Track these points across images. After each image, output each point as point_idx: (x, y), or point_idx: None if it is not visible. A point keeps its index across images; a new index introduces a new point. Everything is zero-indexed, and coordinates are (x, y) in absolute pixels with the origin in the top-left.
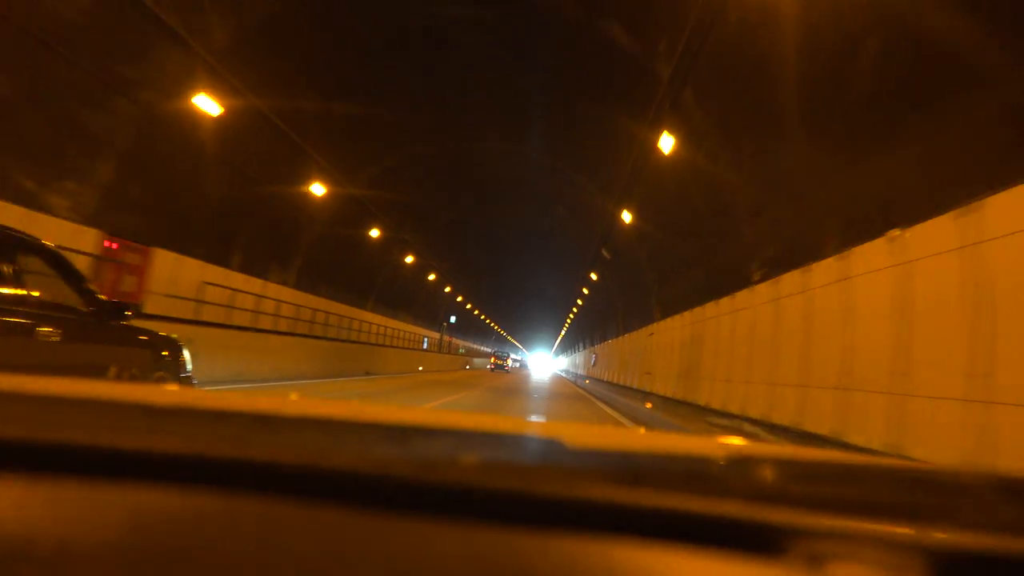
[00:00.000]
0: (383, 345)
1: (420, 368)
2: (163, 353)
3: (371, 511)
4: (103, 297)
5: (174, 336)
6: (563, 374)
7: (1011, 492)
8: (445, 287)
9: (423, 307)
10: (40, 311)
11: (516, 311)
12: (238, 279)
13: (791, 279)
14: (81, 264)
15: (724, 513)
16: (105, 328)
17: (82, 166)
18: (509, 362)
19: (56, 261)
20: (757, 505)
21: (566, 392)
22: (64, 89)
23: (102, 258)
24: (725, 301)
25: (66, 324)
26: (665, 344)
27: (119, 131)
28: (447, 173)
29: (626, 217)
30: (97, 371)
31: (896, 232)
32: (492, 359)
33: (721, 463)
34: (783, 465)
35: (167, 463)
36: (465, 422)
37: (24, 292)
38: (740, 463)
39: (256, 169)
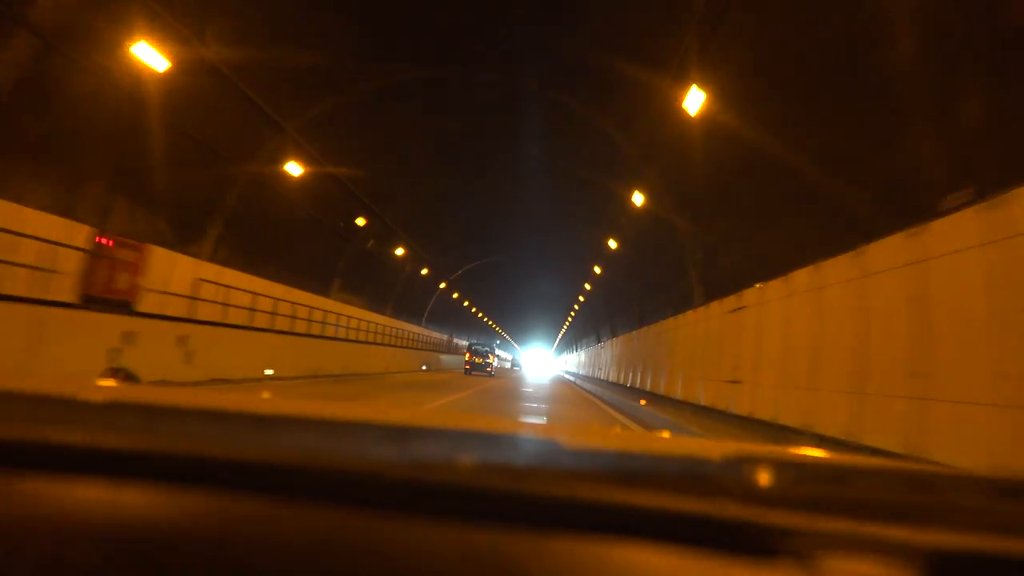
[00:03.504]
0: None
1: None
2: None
3: (368, 512)
4: None
5: None
6: (571, 378)
7: (1006, 493)
8: (396, 247)
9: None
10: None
11: (507, 296)
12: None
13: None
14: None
15: (720, 514)
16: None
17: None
18: (494, 360)
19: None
20: (753, 506)
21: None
22: None
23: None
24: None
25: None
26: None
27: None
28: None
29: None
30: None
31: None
32: (467, 355)
33: (717, 464)
34: (779, 467)
35: (163, 463)
36: (462, 423)
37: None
38: (736, 464)
39: None
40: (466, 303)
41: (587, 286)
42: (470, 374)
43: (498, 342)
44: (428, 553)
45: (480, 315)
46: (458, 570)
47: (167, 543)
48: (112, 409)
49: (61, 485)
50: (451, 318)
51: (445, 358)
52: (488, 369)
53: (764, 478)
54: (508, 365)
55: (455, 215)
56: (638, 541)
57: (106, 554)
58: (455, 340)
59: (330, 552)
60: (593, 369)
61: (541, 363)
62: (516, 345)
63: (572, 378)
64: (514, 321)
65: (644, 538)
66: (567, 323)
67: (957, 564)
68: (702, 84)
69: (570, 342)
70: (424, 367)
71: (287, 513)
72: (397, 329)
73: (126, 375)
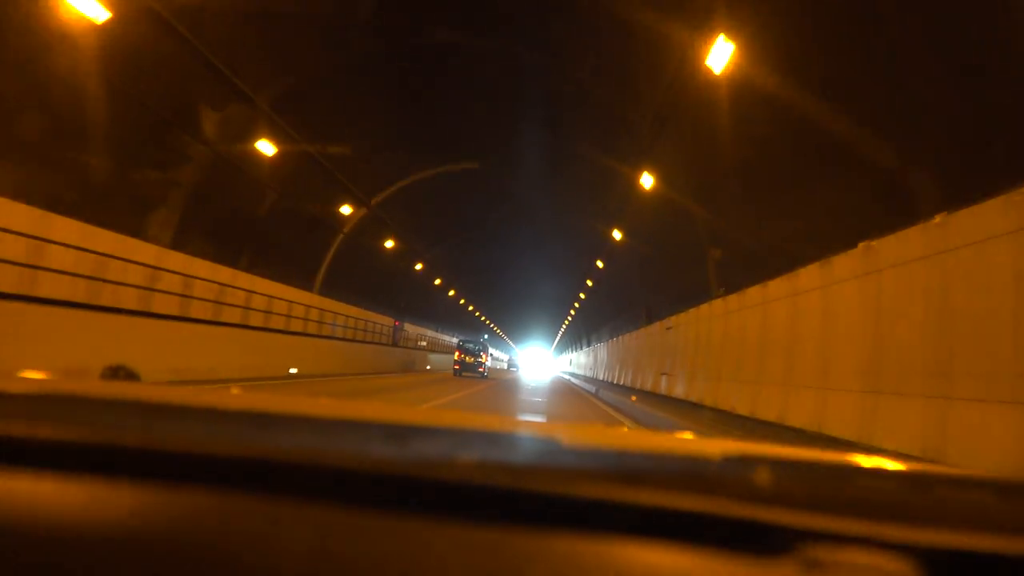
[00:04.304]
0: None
1: None
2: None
3: (369, 510)
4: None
5: None
6: (588, 387)
7: (1005, 493)
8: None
9: None
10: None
11: (500, 285)
12: None
13: None
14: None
15: (720, 512)
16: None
17: None
18: (487, 359)
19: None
20: (753, 505)
21: None
22: None
23: (396, 327)
24: None
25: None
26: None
27: None
28: None
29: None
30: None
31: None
32: (456, 354)
33: (717, 463)
34: (779, 465)
35: (166, 461)
36: (463, 421)
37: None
38: (736, 463)
39: None
40: (419, 265)
41: (616, 234)
42: (460, 375)
43: (486, 336)
44: (428, 552)
45: (473, 310)
46: (458, 568)
47: (166, 542)
48: (111, 407)
49: (59, 483)
50: (451, 320)
51: (434, 357)
52: (480, 370)
53: (764, 477)
54: (504, 365)
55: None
56: (639, 540)
57: (105, 553)
58: (404, 327)
59: (330, 551)
60: (618, 372)
61: (540, 363)
62: (513, 344)
63: (592, 388)
64: (511, 319)
65: (645, 536)
66: (569, 318)
67: (957, 563)
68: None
69: (575, 338)
70: (293, 370)
71: (287, 512)
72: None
73: (127, 373)
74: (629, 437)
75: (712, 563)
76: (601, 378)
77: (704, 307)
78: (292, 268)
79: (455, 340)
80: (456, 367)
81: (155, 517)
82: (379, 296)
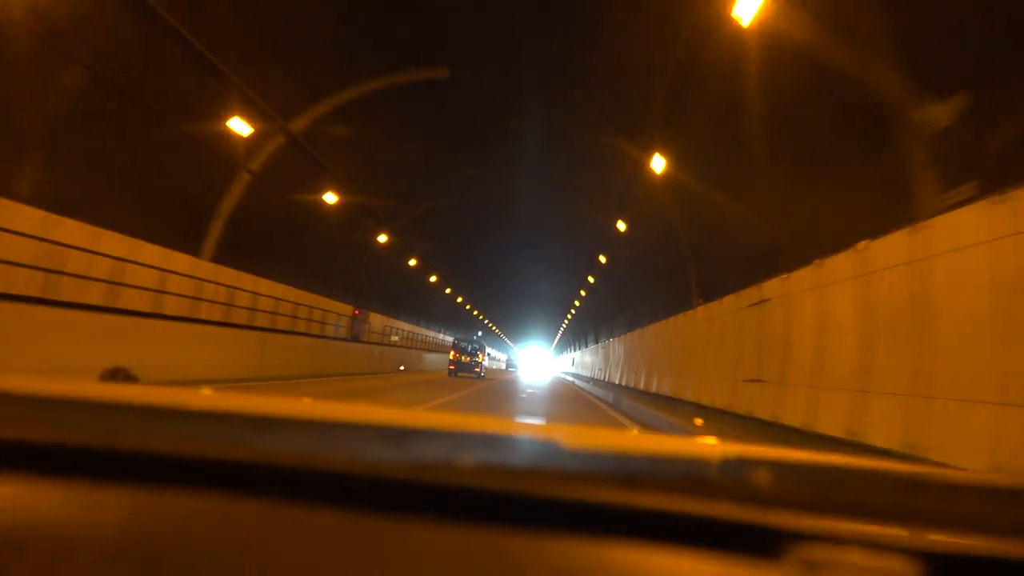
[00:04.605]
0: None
1: None
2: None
3: (367, 512)
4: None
5: None
6: (590, 388)
7: (1006, 496)
8: None
9: None
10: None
11: (497, 277)
12: None
13: None
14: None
15: (719, 515)
16: None
17: None
18: (483, 359)
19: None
20: (752, 507)
21: None
22: None
23: (356, 317)
24: None
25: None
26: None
27: None
28: None
29: None
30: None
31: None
32: (451, 354)
33: (717, 465)
34: (778, 467)
35: (163, 464)
36: (461, 424)
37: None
38: (735, 465)
39: None
40: (382, 236)
41: (657, 162)
42: (456, 375)
43: (479, 333)
44: (427, 554)
45: (463, 302)
46: (457, 571)
47: (161, 546)
48: (110, 409)
49: (59, 486)
50: (366, 279)
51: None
52: (477, 370)
53: (763, 479)
54: (503, 366)
55: None
56: (637, 542)
57: (103, 555)
58: (368, 318)
59: (328, 554)
60: (644, 376)
61: (539, 363)
62: (511, 343)
63: (605, 394)
64: (509, 316)
65: (643, 539)
66: (572, 311)
67: (955, 565)
68: None
69: (578, 334)
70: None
71: (285, 515)
72: None
73: (126, 375)
74: (628, 439)
75: (712, 566)
76: (617, 382)
77: (885, 243)
78: (154, 216)
79: (443, 336)
80: (451, 367)
81: (150, 521)
82: (327, 275)
